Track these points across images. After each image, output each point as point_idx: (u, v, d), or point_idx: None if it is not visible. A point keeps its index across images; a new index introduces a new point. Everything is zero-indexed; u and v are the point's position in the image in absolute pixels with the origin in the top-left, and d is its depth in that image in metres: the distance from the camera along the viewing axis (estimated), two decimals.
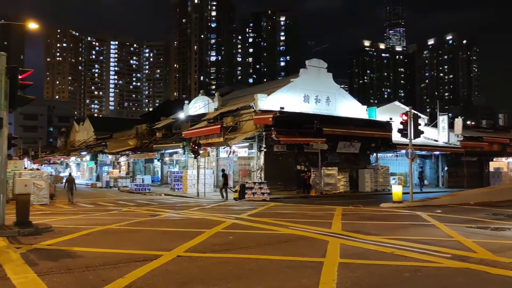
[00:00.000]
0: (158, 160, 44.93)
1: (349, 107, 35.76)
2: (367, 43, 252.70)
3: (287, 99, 31.76)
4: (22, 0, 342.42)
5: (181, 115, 41.55)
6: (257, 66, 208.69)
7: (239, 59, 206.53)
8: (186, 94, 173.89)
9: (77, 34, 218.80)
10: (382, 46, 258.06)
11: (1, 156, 11.72)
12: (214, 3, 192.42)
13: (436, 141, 40.62)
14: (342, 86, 41.48)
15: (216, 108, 36.12)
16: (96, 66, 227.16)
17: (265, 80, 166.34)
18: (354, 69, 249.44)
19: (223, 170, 27.81)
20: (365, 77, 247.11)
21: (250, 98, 32.12)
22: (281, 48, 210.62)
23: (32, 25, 28.99)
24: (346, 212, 17.66)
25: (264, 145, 28.91)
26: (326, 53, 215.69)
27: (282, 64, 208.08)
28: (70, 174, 27.73)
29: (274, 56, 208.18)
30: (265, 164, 28.95)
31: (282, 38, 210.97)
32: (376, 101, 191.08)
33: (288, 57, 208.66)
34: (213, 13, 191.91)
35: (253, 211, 17.94)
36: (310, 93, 33.43)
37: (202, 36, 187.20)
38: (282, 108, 30.03)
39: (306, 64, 34.25)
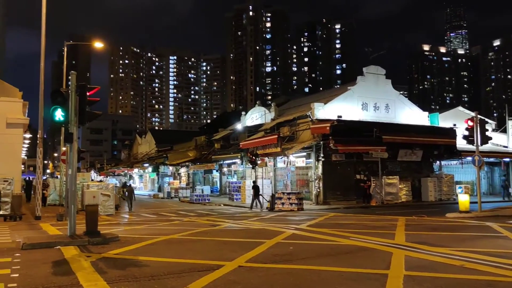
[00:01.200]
0: (217, 171, 45.67)
1: (410, 114, 34.66)
2: (426, 47, 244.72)
3: (344, 107, 31.31)
4: (88, 21, 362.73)
5: (238, 126, 42.07)
6: (313, 75, 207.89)
7: (295, 69, 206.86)
8: (242, 105, 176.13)
9: (138, 50, 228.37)
10: (442, 49, 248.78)
11: (72, 169, 12.40)
12: (269, 14, 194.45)
13: (506, 147, 38.43)
14: (401, 92, 40.34)
15: (272, 118, 36.25)
16: (156, 80, 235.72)
17: (321, 89, 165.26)
18: (414, 75, 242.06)
19: (254, 182, 27.85)
20: (425, 83, 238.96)
21: (307, 107, 31.96)
22: (337, 56, 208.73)
23: (98, 44, 30.67)
24: (409, 222, 17.06)
25: (322, 155, 28.61)
26: (383, 59, 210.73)
27: (338, 72, 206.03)
28: (130, 185, 28.81)
29: (329, 64, 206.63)
30: (323, 174, 28.62)
31: (338, 46, 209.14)
32: (437, 107, 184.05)
33: (344, 65, 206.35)
34: (268, 25, 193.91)
35: (312, 222, 17.76)
36: (369, 101, 32.76)
37: (258, 47, 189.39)
38: (339, 116, 29.62)
39: (363, 71, 33.64)
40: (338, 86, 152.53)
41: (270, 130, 34.19)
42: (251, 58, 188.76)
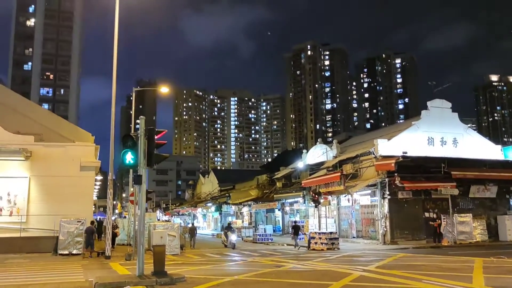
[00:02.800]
0: (279, 210, 45.37)
1: (480, 148, 32.94)
2: (494, 77, 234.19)
3: (409, 143, 30.36)
4: (154, 66, 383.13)
5: (300, 164, 41.89)
6: (374, 111, 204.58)
7: (355, 105, 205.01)
8: (303, 143, 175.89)
9: (201, 93, 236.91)
10: None
11: (141, 210, 12.83)
12: (327, 53, 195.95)
13: None
14: (469, 125, 38.60)
15: (334, 155, 35.82)
16: (218, 121, 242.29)
17: (383, 124, 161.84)
18: (482, 107, 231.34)
19: (294, 222, 28.61)
20: (495, 114, 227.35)
21: (370, 144, 31.35)
22: (399, 90, 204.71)
23: (163, 89, 32.21)
24: (487, 264, 15.90)
25: (387, 192, 27.70)
26: (449, 92, 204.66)
27: (401, 107, 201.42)
28: (192, 224, 29.25)
29: (391, 99, 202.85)
30: (389, 212, 27.60)
31: (399, 80, 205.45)
32: (511, 140, 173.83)
33: (406, 99, 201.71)
34: (327, 63, 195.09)
35: (380, 263, 17.02)
36: (434, 135, 31.58)
37: (317, 85, 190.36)
38: (404, 152, 28.71)
39: (427, 106, 32.66)
40: (401, 121, 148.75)
41: (332, 167, 33.74)
42: (310, 96, 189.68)
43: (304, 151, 44.33)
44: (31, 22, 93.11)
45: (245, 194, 50.75)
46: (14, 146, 24.75)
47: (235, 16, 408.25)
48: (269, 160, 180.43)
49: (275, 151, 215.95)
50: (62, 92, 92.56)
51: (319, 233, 26.03)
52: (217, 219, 64.09)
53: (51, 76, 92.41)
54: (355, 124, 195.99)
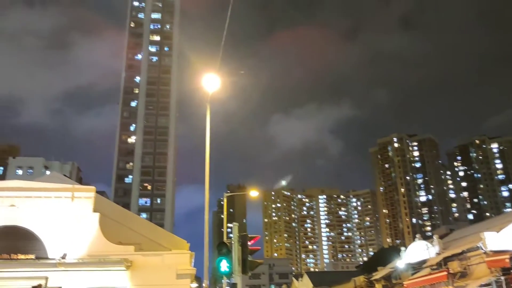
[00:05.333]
0: None
1: None
2: None
3: None
4: (243, 171, 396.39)
5: (399, 263, 39.09)
6: (475, 200, 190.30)
7: (452, 195, 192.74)
8: (399, 239, 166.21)
9: (289, 193, 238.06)
10: None
11: None
12: (415, 143, 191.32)
13: None
14: None
15: (437, 252, 33.09)
16: (308, 221, 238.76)
17: (487, 214, 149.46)
18: None
19: None
20: None
21: (475, 237, 28.71)
22: (500, 176, 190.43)
23: (253, 193, 32.82)
24: None
25: None
26: None
27: (505, 194, 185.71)
28: None
29: (493, 186, 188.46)
30: None
31: (499, 166, 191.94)
32: None
33: (510, 186, 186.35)
34: (415, 153, 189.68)
35: None
36: None
37: (408, 177, 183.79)
38: None
39: None
40: (508, 209, 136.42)
41: (436, 266, 31.05)
42: (402, 189, 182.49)
43: (403, 248, 41.60)
44: (132, 139, 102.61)
45: None
46: (116, 256, 25.92)
47: (321, 117, 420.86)
48: (365, 259, 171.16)
49: (370, 249, 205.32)
50: (158, 201, 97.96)
51: None
52: None
53: (149, 187, 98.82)
54: (455, 215, 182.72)
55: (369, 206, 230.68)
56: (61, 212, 26.90)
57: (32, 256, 25.40)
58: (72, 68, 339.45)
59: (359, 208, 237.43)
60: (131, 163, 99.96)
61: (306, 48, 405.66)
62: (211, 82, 19.34)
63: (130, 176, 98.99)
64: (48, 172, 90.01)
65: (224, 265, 12.31)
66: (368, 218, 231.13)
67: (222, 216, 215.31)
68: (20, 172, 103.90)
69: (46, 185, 28.61)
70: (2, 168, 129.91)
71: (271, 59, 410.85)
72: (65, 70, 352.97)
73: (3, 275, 24.95)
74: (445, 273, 27.82)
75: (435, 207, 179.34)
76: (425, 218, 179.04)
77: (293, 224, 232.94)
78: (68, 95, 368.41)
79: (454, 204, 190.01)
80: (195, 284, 34.08)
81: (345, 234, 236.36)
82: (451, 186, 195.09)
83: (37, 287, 18.43)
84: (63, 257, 24.89)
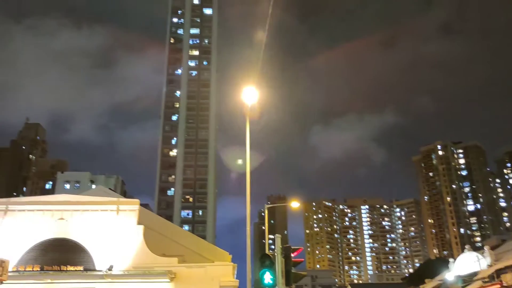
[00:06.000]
0: None
1: None
2: None
3: None
4: (283, 181, 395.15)
5: (448, 276, 37.71)
6: None
7: (503, 204, 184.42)
8: (447, 249, 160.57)
9: (330, 204, 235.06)
10: None
11: None
12: (460, 151, 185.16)
13: None
14: None
15: (489, 264, 31.72)
16: (350, 232, 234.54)
17: None
18: None
19: None
20: None
21: None
22: None
23: (294, 204, 32.59)
24: None
25: None
26: None
27: None
28: None
29: None
30: None
31: None
32: None
33: None
34: (461, 161, 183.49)
35: None
36: None
37: (454, 186, 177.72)
38: None
39: None
40: None
41: (488, 278, 29.75)
42: (448, 198, 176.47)
43: (451, 260, 40.11)
44: (173, 152, 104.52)
45: None
46: (160, 268, 26.28)
47: (363, 126, 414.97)
48: (411, 270, 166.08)
49: (416, 260, 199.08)
50: (200, 213, 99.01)
51: None
52: None
53: (191, 199, 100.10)
54: (507, 224, 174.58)
55: (414, 216, 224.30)
56: (107, 225, 27.62)
57: (81, 268, 26.14)
58: (117, 85, 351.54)
59: (403, 218, 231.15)
60: (173, 176, 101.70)
61: (345, 58, 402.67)
62: (250, 94, 19.47)
63: (172, 189, 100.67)
64: (94, 186, 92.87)
65: (267, 277, 12.23)
66: (412, 228, 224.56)
67: (263, 227, 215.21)
68: (67, 186, 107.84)
69: (93, 199, 29.49)
70: (51, 182, 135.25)
71: (310, 70, 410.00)
72: (111, 87, 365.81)
73: (55, 286, 25.79)
74: (499, 286, 26.58)
75: (485, 217, 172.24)
76: (474, 228, 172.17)
77: (335, 235, 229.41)
78: (113, 111, 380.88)
79: (505, 214, 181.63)
80: None
81: (389, 245, 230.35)
82: (501, 195, 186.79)
83: None
84: (110, 269, 25.47)
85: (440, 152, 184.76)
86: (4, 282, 12.46)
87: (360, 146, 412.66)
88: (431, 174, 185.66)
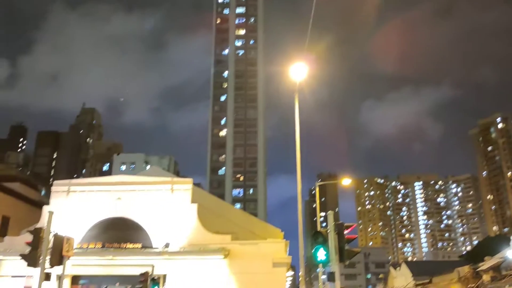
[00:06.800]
0: None
1: None
2: None
3: None
4: (335, 159, 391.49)
5: (509, 253, 36.27)
6: None
7: None
8: (507, 227, 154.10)
9: (382, 181, 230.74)
10: None
11: None
12: None
13: None
14: None
15: None
16: (404, 208, 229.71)
17: None
18: None
19: None
20: None
21: None
22: None
23: (346, 181, 32.20)
24: None
25: None
26: None
27: None
28: None
29: None
30: None
31: None
32: None
33: None
34: None
35: None
36: None
37: None
38: None
39: None
40: None
41: None
42: (509, 173, 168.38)
43: None
44: (223, 132, 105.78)
45: None
46: (215, 245, 26.95)
47: (418, 100, 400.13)
48: (468, 248, 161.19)
49: (474, 238, 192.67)
50: (251, 191, 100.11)
51: None
52: None
53: (241, 178, 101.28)
54: None
55: (471, 192, 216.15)
56: (162, 204, 28.54)
57: (139, 246, 27.27)
58: (169, 67, 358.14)
59: (460, 194, 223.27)
60: (223, 156, 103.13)
61: (399, 29, 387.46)
62: (298, 71, 19.20)
63: (223, 168, 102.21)
64: (148, 167, 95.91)
65: (321, 254, 12.21)
66: (470, 205, 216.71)
67: (314, 205, 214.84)
68: (123, 167, 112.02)
69: (148, 179, 30.50)
70: (108, 164, 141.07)
71: (361, 43, 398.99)
72: (162, 70, 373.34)
73: (115, 262, 27.10)
74: None
75: None
76: None
77: (388, 213, 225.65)
78: (166, 93, 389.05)
79: None
80: (290, 272, 34.38)
81: (444, 222, 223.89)
82: None
83: (144, 274, 19.74)
84: (166, 246, 26.41)
85: (500, 125, 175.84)
86: (70, 258, 13.23)
87: (414, 121, 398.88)
88: (489, 148, 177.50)
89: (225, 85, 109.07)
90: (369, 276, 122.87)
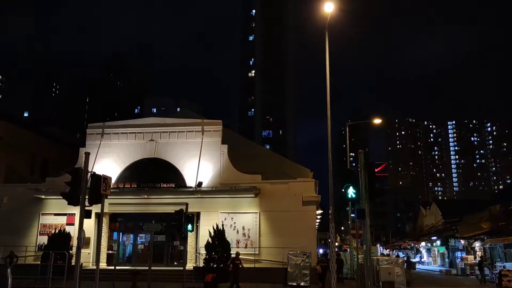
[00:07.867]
0: None
1: None
2: None
3: None
4: (365, 99, 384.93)
5: None
6: None
7: None
8: None
9: (413, 120, 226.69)
10: None
11: (366, 244, 12.62)
12: None
13: None
14: None
15: None
16: (436, 148, 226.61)
17: None
18: None
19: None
20: None
21: None
22: None
23: (376, 121, 31.84)
24: None
25: None
26: None
27: None
28: (408, 257, 27.63)
29: None
30: None
31: None
32: None
33: None
34: None
35: None
36: None
37: None
38: None
39: None
40: None
41: None
42: None
43: None
44: (252, 74, 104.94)
45: (475, 227, 45.47)
46: (245, 184, 27.58)
47: (456, 38, 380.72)
48: (501, 187, 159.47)
49: (508, 177, 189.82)
50: (280, 132, 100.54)
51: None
52: (444, 254, 58.83)
53: (271, 120, 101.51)
54: None
55: (507, 131, 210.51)
56: (194, 145, 29.12)
57: (173, 185, 28.20)
58: (197, 10, 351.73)
59: (495, 133, 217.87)
60: (252, 97, 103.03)
61: None
62: (329, 6, 18.53)
63: (253, 110, 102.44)
64: (178, 109, 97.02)
65: (351, 191, 12.37)
66: (505, 144, 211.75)
67: (344, 145, 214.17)
68: (154, 110, 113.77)
69: (179, 121, 30.97)
70: (139, 107, 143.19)
71: None
72: (190, 13, 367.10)
73: (151, 201, 28.23)
74: None
75: None
76: None
77: (419, 152, 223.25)
78: (195, 37, 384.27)
79: None
80: (320, 211, 35.06)
81: (477, 161, 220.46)
82: None
83: (179, 211, 20.52)
84: (199, 185, 27.19)
85: None
86: (108, 197, 13.87)
87: (454, 60, 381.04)
88: None
89: (253, 25, 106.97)
90: (398, 214, 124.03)
